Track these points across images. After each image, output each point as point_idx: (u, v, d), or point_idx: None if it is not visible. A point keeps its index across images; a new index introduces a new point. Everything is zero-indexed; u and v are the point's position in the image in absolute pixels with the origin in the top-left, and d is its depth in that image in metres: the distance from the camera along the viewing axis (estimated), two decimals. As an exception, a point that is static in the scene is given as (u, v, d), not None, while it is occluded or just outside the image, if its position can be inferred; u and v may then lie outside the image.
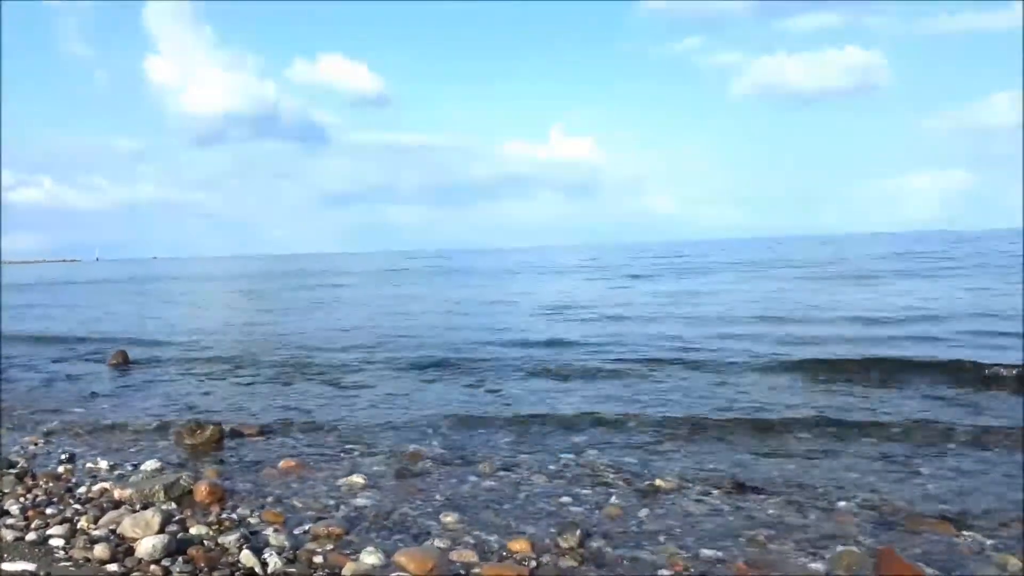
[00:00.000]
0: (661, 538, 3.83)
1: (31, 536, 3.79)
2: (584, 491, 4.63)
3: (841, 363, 8.55)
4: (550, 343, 11.04)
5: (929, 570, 3.37)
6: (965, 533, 3.84)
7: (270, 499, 4.50)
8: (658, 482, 4.74)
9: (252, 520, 4.09)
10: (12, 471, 5.03)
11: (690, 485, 4.70)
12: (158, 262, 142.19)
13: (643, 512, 4.23)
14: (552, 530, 3.90)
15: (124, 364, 10.58)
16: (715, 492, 4.54)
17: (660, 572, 3.42)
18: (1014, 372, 7.40)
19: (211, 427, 6.00)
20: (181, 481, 4.49)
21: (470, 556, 3.57)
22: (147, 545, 3.51)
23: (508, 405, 7.24)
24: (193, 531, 3.86)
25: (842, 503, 4.32)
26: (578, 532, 3.73)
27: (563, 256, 60.97)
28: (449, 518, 4.13)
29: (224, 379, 9.18)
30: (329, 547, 3.70)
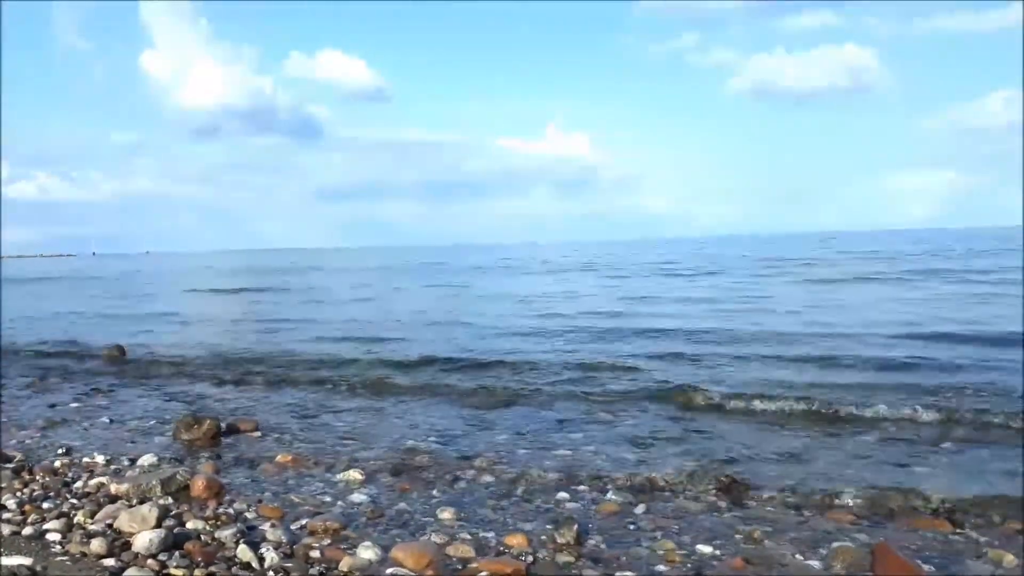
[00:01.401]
0: (657, 534, 3.84)
1: (28, 530, 3.79)
2: (581, 487, 4.63)
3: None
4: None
5: (925, 566, 3.38)
6: (961, 530, 3.86)
7: (267, 494, 4.51)
8: (655, 478, 4.75)
9: (249, 515, 4.09)
10: (9, 465, 5.02)
11: (687, 482, 4.71)
12: (150, 257, 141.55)
13: (640, 508, 4.24)
14: (549, 526, 3.91)
15: (120, 358, 10.57)
16: (712, 489, 4.56)
17: (656, 568, 3.43)
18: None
19: (208, 422, 6.00)
20: (178, 476, 4.49)
21: (467, 551, 3.58)
22: (144, 539, 3.50)
23: (504, 404, 7.24)
24: (190, 526, 3.86)
25: (838, 500, 4.33)
26: (575, 528, 3.74)
27: (555, 254, 61.02)
28: (446, 514, 4.13)
29: (220, 375, 9.15)
30: (326, 542, 3.70)
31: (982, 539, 3.75)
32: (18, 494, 4.43)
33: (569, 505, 4.32)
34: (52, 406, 7.46)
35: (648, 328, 12.01)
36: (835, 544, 3.63)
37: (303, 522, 3.98)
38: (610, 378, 8.13)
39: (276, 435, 6.12)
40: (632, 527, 3.97)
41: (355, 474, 4.86)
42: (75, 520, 3.96)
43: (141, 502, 4.14)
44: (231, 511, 4.13)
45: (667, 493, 4.51)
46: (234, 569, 3.34)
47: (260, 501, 4.34)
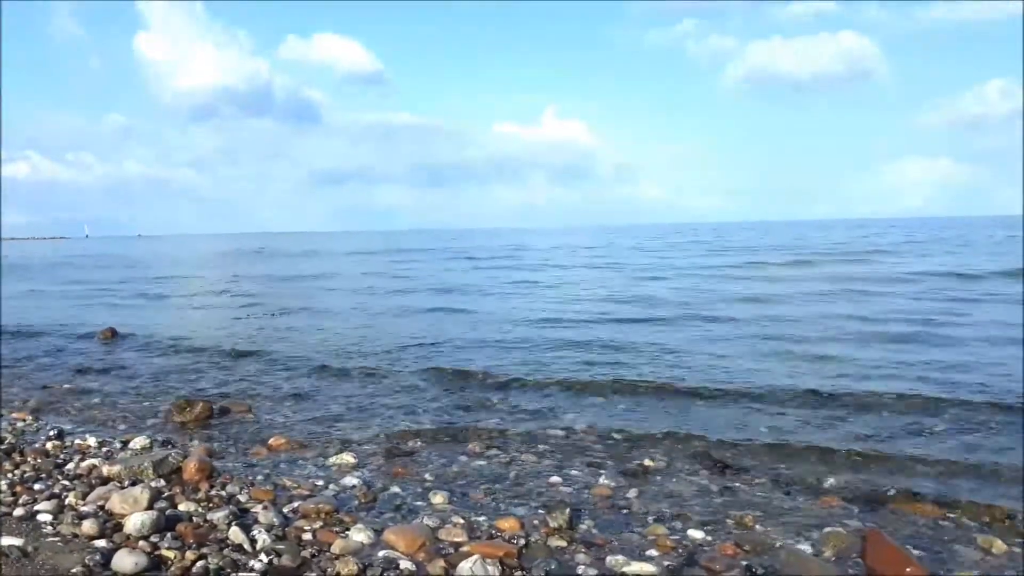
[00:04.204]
0: (649, 519, 3.85)
1: (19, 512, 3.77)
2: (574, 471, 4.64)
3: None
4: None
5: (915, 552, 3.40)
6: (951, 515, 3.88)
7: (259, 477, 4.50)
8: (647, 462, 4.76)
9: (241, 497, 4.09)
10: (0, 447, 5.01)
11: (679, 465, 4.72)
12: (143, 240, 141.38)
13: (632, 492, 4.25)
14: (541, 510, 3.91)
15: (113, 339, 10.54)
16: (703, 472, 4.57)
17: (648, 553, 3.44)
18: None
19: (201, 404, 5.98)
20: (170, 458, 4.48)
21: (459, 534, 3.58)
22: (135, 521, 3.50)
23: (499, 386, 7.23)
24: (182, 508, 3.85)
25: (830, 482, 4.35)
26: (567, 511, 3.75)
27: (550, 239, 61.35)
28: (438, 498, 4.13)
29: (212, 356, 9.13)
30: (318, 525, 3.70)
31: (972, 524, 3.77)
32: (9, 475, 4.42)
33: (562, 489, 4.33)
34: (44, 387, 7.44)
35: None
36: (826, 529, 3.64)
37: (295, 505, 3.98)
38: (609, 362, 8.14)
39: (269, 417, 6.11)
40: (624, 511, 3.98)
41: (348, 457, 4.86)
42: (66, 501, 3.95)
43: (133, 484, 4.13)
44: (223, 493, 4.12)
45: (659, 477, 4.52)
46: (226, 551, 3.33)
47: (252, 484, 4.33)
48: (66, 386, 7.51)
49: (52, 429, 5.63)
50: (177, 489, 4.17)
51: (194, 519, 3.69)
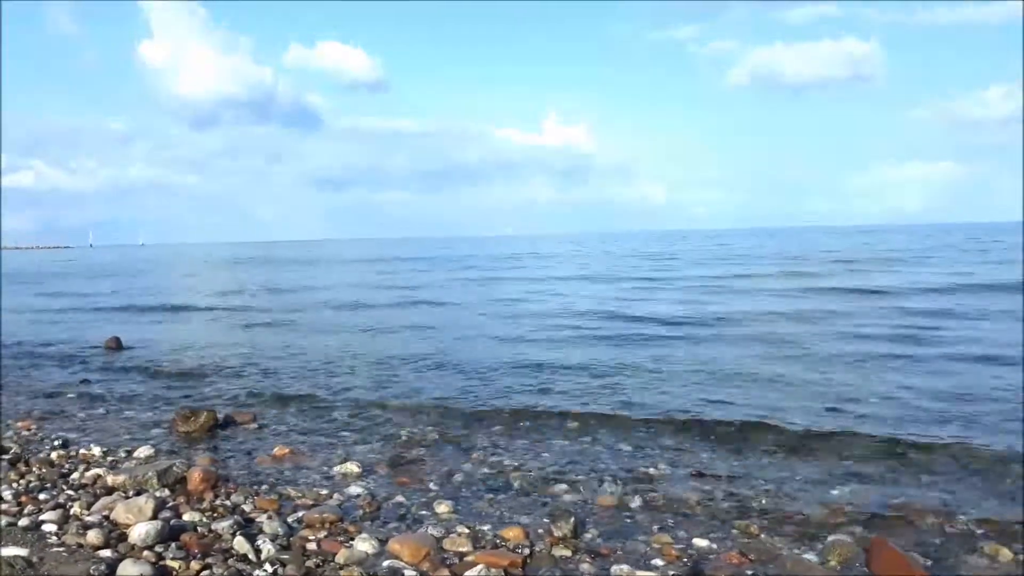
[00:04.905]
0: (654, 528, 3.85)
1: (24, 521, 3.78)
2: (578, 479, 4.63)
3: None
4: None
5: (921, 560, 3.39)
6: (957, 523, 3.86)
7: (264, 486, 4.50)
8: (651, 471, 4.75)
9: (246, 507, 4.09)
10: (6, 456, 5.02)
11: (683, 474, 4.71)
12: (146, 249, 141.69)
13: (637, 501, 4.24)
14: (546, 519, 3.91)
15: (117, 349, 10.55)
16: (708, 481, 4.56)
17: (654, 562, 3.43)
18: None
19: (205, 414, 5.98)
20: (174, 468, 4.48)
21: (463, 544, 3.58)
22: (140, 531, 3.50)
23: (502, 394, 7.22)
24: (186, 517, 3.85)
25: (834, 492, 4.34)
26: (572, 520, 3.74)
27: (551, 246, 61.31)
28: (443, 507, 4.13)
29: (216, 367, 9.14)
30: (323, 534, 3.70)
31: (978, 532, 3.76)
32: (14, 485, 4.43)
33: (566, 498, 4.32)
34: (49, 397, 7.45)
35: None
36: (832, 538, 3.63)
37: (300, 514, 3.98)
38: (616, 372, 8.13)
39: (273, 427, 6.11)
40: (629, 520, 3.97)
41: (352, 467, 4.86)
42: (71, 511, 3.95)
43: (137, 494, 4.14)
44: (228, 503, 4.12)
45: (664, 486, 4.51)
46: (231, 561, 3.34)
47: (257, 493, 4.34)
48: (70, 396, 7.52)
49: (57, 439, 5.64)
50: (182, 499, 4.17)
51: (199, 529, 3.70)
